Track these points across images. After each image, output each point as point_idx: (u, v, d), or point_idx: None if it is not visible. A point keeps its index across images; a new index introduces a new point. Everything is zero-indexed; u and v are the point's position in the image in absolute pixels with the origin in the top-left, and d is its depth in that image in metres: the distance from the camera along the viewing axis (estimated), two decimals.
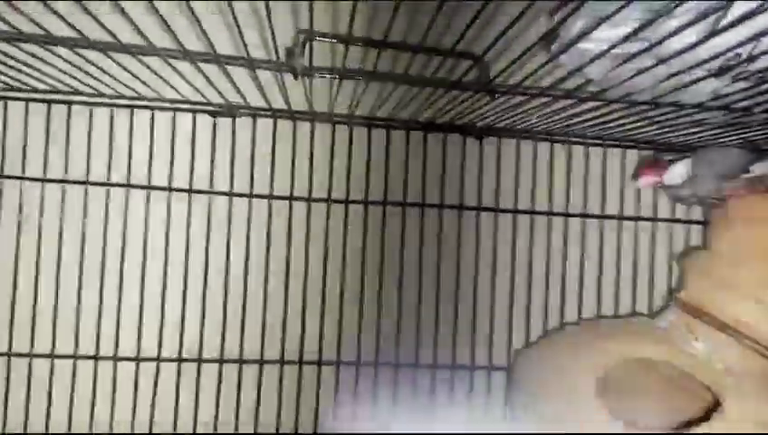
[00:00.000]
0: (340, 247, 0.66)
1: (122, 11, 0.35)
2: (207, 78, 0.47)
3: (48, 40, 0.41)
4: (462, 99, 0.49)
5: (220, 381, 0.64)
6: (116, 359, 0.63)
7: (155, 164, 0.64)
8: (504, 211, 0.68)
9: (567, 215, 0.69)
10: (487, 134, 0.67)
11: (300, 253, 0.65)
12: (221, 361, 0.64)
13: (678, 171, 0.63)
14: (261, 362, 0.64)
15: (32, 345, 0.62)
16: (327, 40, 0.42)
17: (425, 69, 0.44)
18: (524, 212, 0.68)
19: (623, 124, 0.56)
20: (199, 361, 0.64)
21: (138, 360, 0.63)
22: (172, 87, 0.54)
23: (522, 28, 0.35)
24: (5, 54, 0.47)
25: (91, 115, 0.63)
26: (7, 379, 0.62)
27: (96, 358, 0.63)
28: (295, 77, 0.44)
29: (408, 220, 0.67)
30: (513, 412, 0.55)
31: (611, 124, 0.56)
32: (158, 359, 0.63)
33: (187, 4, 0.36)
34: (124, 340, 0.63)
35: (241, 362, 0.64)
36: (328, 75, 0.43)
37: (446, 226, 0.67)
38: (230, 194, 0.65)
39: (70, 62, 0.48)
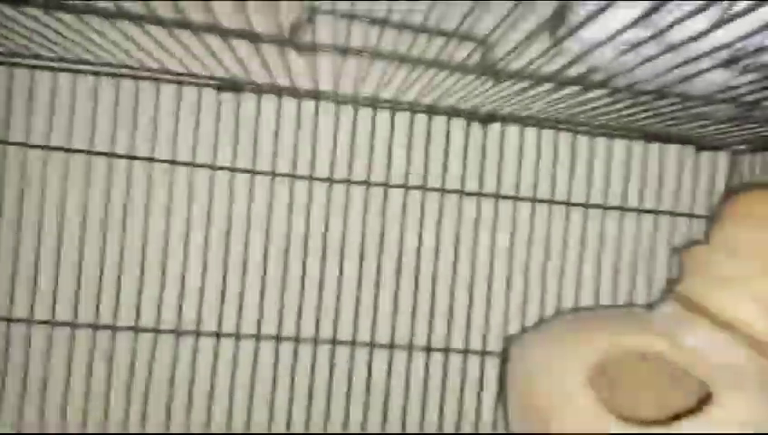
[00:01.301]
0: (339, 229, 0.66)
1: None
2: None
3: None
4: (465, 82, 0.49)
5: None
6: (198, 333, 0.64)
7: (261, 149, 0.64)
8: (505, 198, 0.68)
9: (568, 204, 0.68)
10: (492, 120, 0.67)
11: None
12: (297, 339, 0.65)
13: None
14: (323, 342, 0.65)
15: (115, 317, 0.63)
16: (331, 14, 0.42)
17: (426, 51, 0.44)
18: (526, 199, 0.68)
19: (629, 114, 0.55)
20: (280, 338, 0.64)
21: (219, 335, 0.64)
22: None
23: (526, 11, 0.34)
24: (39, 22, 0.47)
25: (158, 92, 0.63)
26: (91, 352, 0.63)
27: (157, 331, 0.63)
28: (303, 53, 0.44)
29: (410, 204, 0.66)
30: (505, 400, 0.55)
31: (617, 114, 0.56)
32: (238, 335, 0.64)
33: None
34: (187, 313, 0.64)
35: (301, 340, 0.65)
36: (331, 52, 0.43)
37: (447, 210, 0.67)
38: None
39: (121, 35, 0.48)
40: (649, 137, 0.68)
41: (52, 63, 0.61)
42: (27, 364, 0.62)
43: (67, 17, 0.50)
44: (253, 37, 0.43)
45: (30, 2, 0.39)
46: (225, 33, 0.43)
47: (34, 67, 0.62)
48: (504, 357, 0.66)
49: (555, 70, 0.43)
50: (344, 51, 0.43)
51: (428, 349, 0.66)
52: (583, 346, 0.48)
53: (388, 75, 0.50)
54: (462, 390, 0.67)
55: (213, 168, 0.64)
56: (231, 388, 0.65)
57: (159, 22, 0.41)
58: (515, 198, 0.68)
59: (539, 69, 0.44)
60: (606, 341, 0.48)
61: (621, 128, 0.66)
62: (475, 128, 0.67)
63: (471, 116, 0.66)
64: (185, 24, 0.42)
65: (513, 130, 0.68)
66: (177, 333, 0.64)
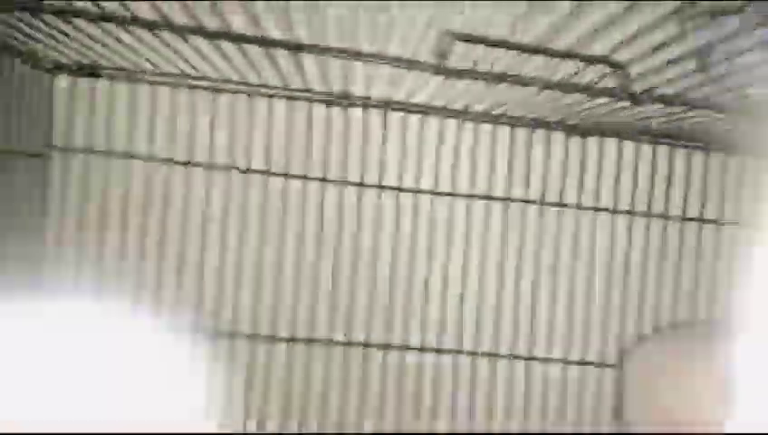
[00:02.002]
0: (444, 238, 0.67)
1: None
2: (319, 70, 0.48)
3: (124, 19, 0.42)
4: (596, 104, 0.50)
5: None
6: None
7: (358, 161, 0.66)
8: (601, 210, 0.68)
9: (666, 217, 0.69)
10: (590, 134, 0.68)
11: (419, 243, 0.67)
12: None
13: None
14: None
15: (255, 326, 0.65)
16: (471, 42, 0.43)
17: (554, 73, 0.45)
18: (624, 212, 0.69)
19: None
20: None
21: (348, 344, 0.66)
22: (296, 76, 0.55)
23: (675, 40, 0.35)
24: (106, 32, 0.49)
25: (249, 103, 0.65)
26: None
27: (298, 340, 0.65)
28: (446, 78, 0.45)
29: (510, 217, 0.68)
30: (625, 407, 0.56)
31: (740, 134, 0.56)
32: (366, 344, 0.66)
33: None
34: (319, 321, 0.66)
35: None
36: (477, 78, 0.44)
37: (547, 224, 0.68)
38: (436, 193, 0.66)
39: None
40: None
41: (152, 78, 0.63)
42: None
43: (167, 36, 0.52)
44: (405, 64, 0.44)
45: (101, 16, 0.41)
46: (369, 58, 0.45)
47: (136, 81, 0.64)
48: (622, 367, 0.67)
49: (701, 96, 0.44)
50: (493, 77, 0.45)
51: (530, 358, 0.68)
52: (713, 359, 0.49)
53: (511, 95, 0.51)
54: (577, 399, 0.68)
55: (325, 180, 0.66)
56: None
57: (298, 48, 0.43)
58: (613, 211, 0.69)
59: (683, 93, 0.45)
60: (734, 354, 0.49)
61: (729, 145, 0.67)
62: (575, 141, 0.68)
63: (571, 130, 0.67)
64: (324, 51, 0.43)
65: (610, 142, 0.68)
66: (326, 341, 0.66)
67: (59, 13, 0.45)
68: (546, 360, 0.68)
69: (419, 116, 0.67)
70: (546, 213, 0.68)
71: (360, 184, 0.66)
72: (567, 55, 0.39)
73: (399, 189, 0.67)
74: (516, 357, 0.67)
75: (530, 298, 0.68)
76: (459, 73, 0.43)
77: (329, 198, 0.66)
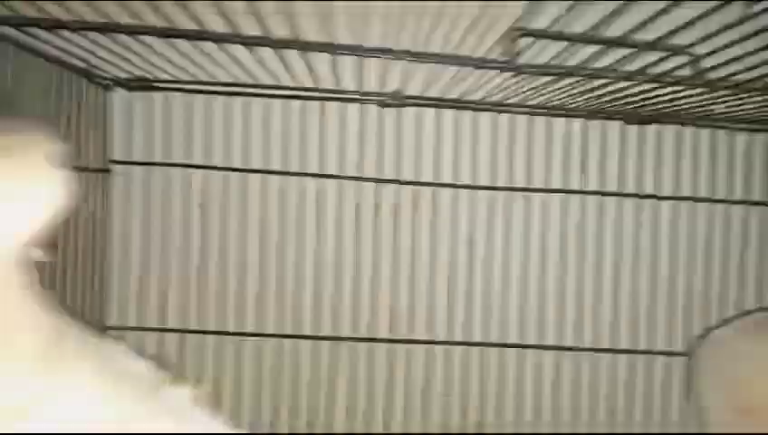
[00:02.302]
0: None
1: None
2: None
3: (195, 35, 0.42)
4: (665, 93, 0.49)
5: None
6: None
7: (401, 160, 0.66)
8: (664, 199, 0.67)
9: (730, 202, 0.68)
10: (649, 121, 0.66)
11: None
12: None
13: None
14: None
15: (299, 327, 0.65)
16: (543, 37, 0.42)
17: (629, 64, 0.44)
18: (685, 199, 0.67)
19: None
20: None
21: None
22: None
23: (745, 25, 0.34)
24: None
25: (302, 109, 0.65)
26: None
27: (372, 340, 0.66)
28: (516, 75, 0.44)
29: (570, 209, 0.67)
30: (697, 398, 0.55)
31: None
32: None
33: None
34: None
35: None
36: (551, 74, 0.43)
37: (607, 212, 0.67)
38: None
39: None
40: None
41: (206, 87, 0.63)
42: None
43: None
44: (475, 63, 0.43)
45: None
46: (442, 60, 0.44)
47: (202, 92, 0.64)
48: (692, 356, 0.66)
49: None
50: (565, 73, 0.44)
51: (613, 350, 0.67)
52: None
53: (581, 87, 0.51)
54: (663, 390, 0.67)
55: (379, 181, 0.66)
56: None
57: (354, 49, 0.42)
58: (672, 198, 0.67)
59: (756, 79, 0.44)
60: None
61: None
62: (632, 130, 0.67)
63: (629, 118, 0.66)
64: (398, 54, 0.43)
65: (668, 129, 0.67)
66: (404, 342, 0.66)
67: (124, 30, 0.45)
68: (611, 351, 0.67)
69: (471, 112, 0.66)
70: (606, 204, 0.67)
71: (413, 183, 0.66)
72: (648, 47, 0.39)
73: (454, 186, 0.66)
74: (580, 350, 0.67)
75: (592, 289, 0.67)
76: (532, 70, 0.42)
77: (385, 196, 0.66)
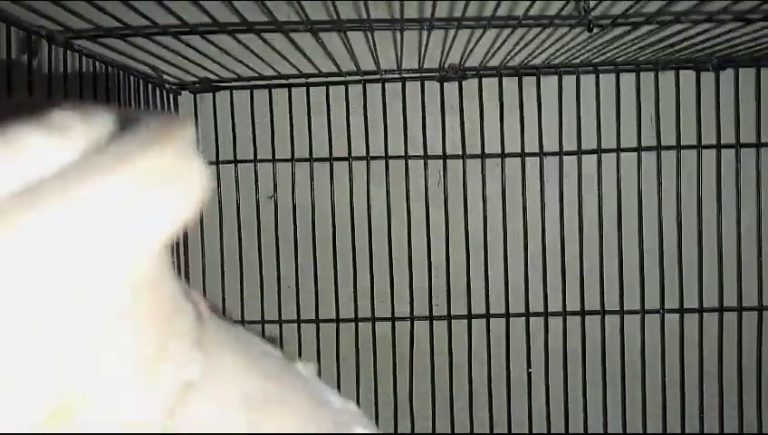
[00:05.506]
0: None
1: None
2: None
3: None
4: (753, 30, 0.46)
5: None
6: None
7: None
8: (746, 147, 0.64)
9: None
10: (724, 66, 0.63)
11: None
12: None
13: None
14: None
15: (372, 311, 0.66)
16: None
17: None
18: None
19: None
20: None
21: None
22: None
23: None
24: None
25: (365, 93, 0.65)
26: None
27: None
28: (589, 30, 0.43)
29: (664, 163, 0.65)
30: None
31: None
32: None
33: None
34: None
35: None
36: (626, 24, 0.42)
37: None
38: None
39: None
40: None
41: (269, 81, 0.63)
42: None
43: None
44: (549, 21, 0.42)
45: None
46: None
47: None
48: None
49: None
50: (639, 22, 0.42)
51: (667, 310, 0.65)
52: None
53: (653, 37, 0.48)
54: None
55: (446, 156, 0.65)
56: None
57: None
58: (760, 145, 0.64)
59: None
60: None
61: None
62: (706, 76, 0.64)
63: (702, 65, 0.63)
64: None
65: (748, 72, 0.64)
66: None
67: (189, 32, 0.46)
68: (678, 311, 0.65)
69: (531, 78, 0.64)
70: (687, 156, 0.64)
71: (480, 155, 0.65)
72: None
73: (541, 154, 0.65)
74: (648, 312, 0.65)
75: (656, 246, 0.65)
76: (609, 22, 0.41)
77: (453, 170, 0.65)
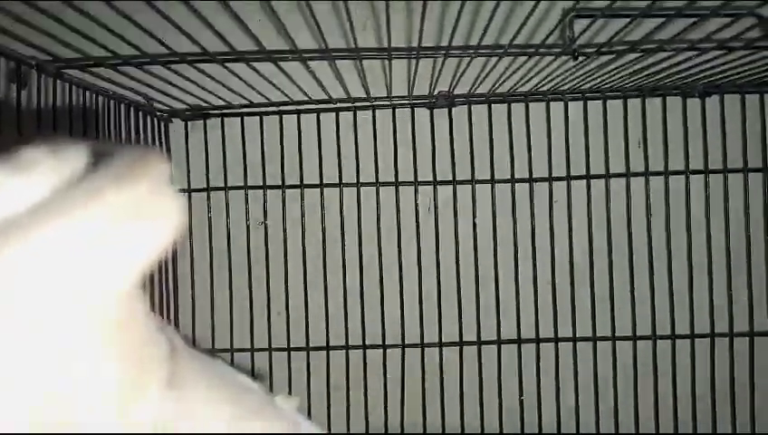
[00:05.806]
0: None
1: None
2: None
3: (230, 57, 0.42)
4: (732, 59, 0.47)
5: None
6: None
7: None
8: (733, 172, 0.65)
9: None
10: (710, 93, 0.64)
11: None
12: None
13: None
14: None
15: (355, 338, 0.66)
16: (596, 15, 0.41)
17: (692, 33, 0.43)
18: (755, 171, 0.65)
19: None
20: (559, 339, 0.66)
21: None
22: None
23: None
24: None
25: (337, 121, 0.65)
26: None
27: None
28: (574, 59, 0.43)
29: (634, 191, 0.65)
30: None
31: None
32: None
33: None
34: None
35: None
36: (610, 52, 0.42)
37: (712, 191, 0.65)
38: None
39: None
40: None
41: (260, 109, 0.64)
42: None
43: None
44: (534, 50, 0.43)
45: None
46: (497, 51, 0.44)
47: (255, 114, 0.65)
48: None
49: None
50: (624, 50, 0.43)
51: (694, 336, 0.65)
52: None
53: (638, 65, 0.49)
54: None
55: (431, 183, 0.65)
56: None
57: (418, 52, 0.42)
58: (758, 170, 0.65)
59: None
60: None
61: None
62: (691, 103, 0.65)
63: (688, 92, 0.64)
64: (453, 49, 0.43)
65: (733, 99, 0.65)
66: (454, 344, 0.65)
67: (185, 61, 0.47)
68: (670, 337, 0.64)
69: (520, 104, 0.65)
70: (675, 182, 0.65)
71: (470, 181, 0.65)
72: (713, 14, 0.37)
73: (531, 180, 0.65)
74: (640, 338, 0.64)
75: (646, 270, 0.65)
76: (594, 50, 0.41)
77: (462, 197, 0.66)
